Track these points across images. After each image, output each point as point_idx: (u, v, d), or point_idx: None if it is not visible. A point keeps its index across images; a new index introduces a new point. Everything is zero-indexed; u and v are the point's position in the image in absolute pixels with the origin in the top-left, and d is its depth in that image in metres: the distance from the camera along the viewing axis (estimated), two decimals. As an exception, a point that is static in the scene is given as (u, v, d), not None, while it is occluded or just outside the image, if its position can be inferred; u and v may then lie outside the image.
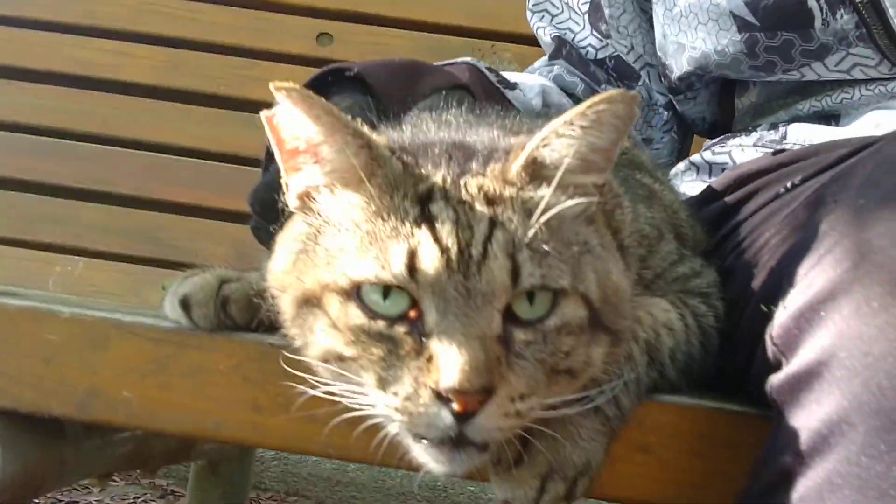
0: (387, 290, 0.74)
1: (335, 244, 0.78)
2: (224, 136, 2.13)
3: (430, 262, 0.72)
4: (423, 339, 0.72)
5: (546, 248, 0.74)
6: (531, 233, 0.74)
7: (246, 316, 0.90)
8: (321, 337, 0.77)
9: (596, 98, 0.76)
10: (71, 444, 1.01)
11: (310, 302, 0.78)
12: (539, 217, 0.74)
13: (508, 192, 0.77)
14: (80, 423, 1.03)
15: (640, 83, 1.54)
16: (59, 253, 2.11)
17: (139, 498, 3.98)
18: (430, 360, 0.71)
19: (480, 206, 0.75)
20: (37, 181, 2.14)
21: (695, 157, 1.47)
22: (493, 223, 0.74)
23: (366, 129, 0.79)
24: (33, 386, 0.89)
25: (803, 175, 1.06)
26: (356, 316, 0.74)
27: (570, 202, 0.77)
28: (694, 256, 1.05)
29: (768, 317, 0.77)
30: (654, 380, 0.87)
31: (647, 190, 1.07)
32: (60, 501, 3.76)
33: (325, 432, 0.86)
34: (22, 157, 2.17)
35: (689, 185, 1.41)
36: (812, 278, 0.71)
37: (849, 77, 1.22)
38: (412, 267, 0.72)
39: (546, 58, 1.63)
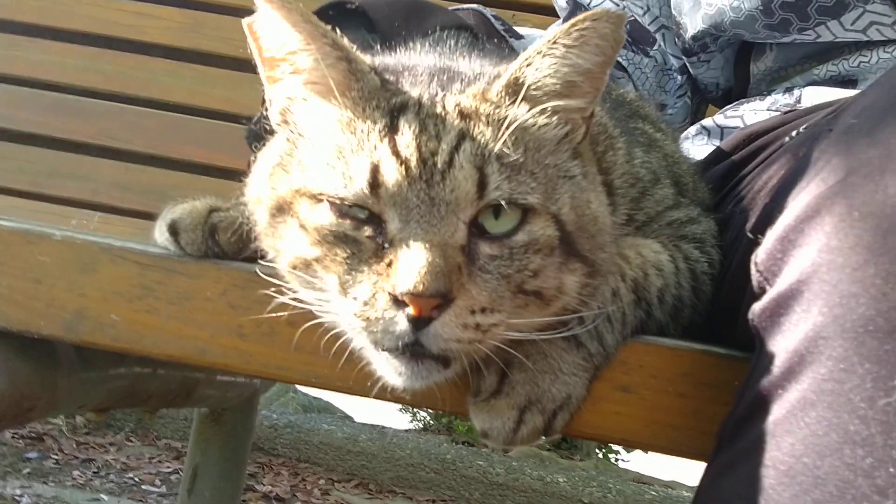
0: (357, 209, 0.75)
1: (307, 156, 0.79)
2: (241, 98, 2.14)
3: (391, 174, 0.72)
4: (386, 245, 0.73)
5: (518, 164, 0.74)
6: (501, 146, 0.74)
7: (234, 245, 0.91)
8: (291, 242, 0.78)
9: (580, 16, 0.75)
10: (64, 371, 1.03)
11: (282, 209, 0.79)
12: (511, 130, 0.74)
13: (485, 108, 0.77)
14: (75, 352, 1.05)
15: (655, 47, 1.51)
16: (76, 207, 2.15)
17: (154, 458, 4.07)
18: (389, 265, 0.71)
19: (452, 120, 0.75)
20: (56, 137, 2.18)
21: (706, 122, 1.44)
22: (463, 135, 0.74)
23: (346, 41, 0.79)
24: (23, 305, 0.90)
25: (808, 123, 1.04)
26: (324, 216, 0.75)
27: (547, 119, 0.77)
28: (692, 205, 1.03)
29: (756, 246, 0.74)
30: (640, 319, 0.86)
31: (647, 137, 1.06)
32: (78, 458, 3.86)
33: (309, 360, 0.87)
34: (42, 113, 2.21)
35: (700, 148, 1.39)
36: (798, 200, 0.68)
37: (865, 38, 1.19)
38: (375, 182, 0.73)
39: (559, 22, 1.61)
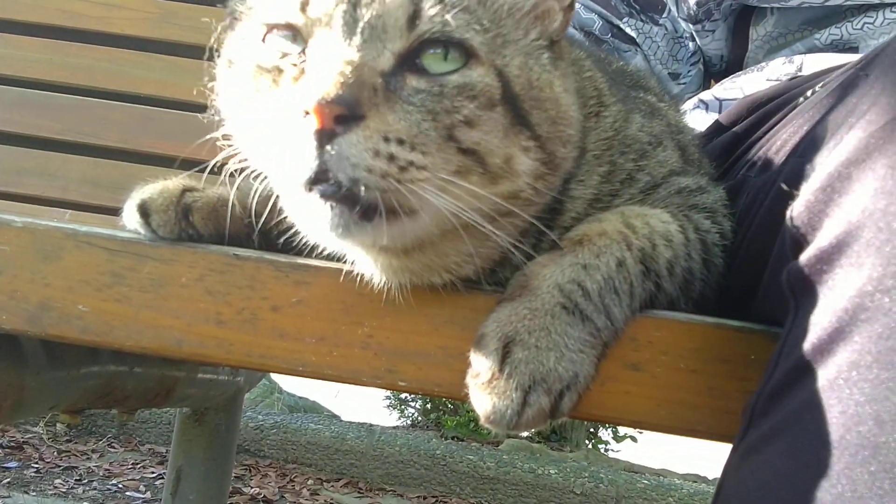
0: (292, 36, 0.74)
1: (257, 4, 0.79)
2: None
3: None
4: (305, 67, 0.71)
5: (462, 5, 0.72)
6: None
7: (210, 226, 0.85)
8: (234, 91, 0.78)
9: None
10: (32, 370, 0.96)
11: (230, 65, 0.80)
12: None
13: None
14: (42, 348, 0.98)
15: (665, 14, 1.47)
16: (46, 205, 2.07)
17: (137, 464, 3.98)
18: (300, 86, 0.69)
19: None
20: (22, 133, 2.11)
21: (704, 95, 1.41)
22: None
23: None
24: (-18, 299, 0.83)
25: (825, 81, 0.98)
26: (258, 52, 0.75)
27: None
28: (699, 174, 0.98)
29: (789, 200, 0.68)
30: (649, 292, 0.80)
31: (649, 106, 1.02)
32: (59, 466, 3.77)
33: (294, 347, 0.81)
34: (8, 109, 2.13)
35: (698, 123, 1.35)
36: (843, 146, 0.62)
37: (875, 0, 1.14)
38: (304, 5, 0.72)
39: None
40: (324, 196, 0.68)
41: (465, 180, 0.71)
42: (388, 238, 0.72)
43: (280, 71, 0.73)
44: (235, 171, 0.78)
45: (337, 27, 0.70)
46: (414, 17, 0.71)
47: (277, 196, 0.79)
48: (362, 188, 0.67)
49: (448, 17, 0.71)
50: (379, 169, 0.67)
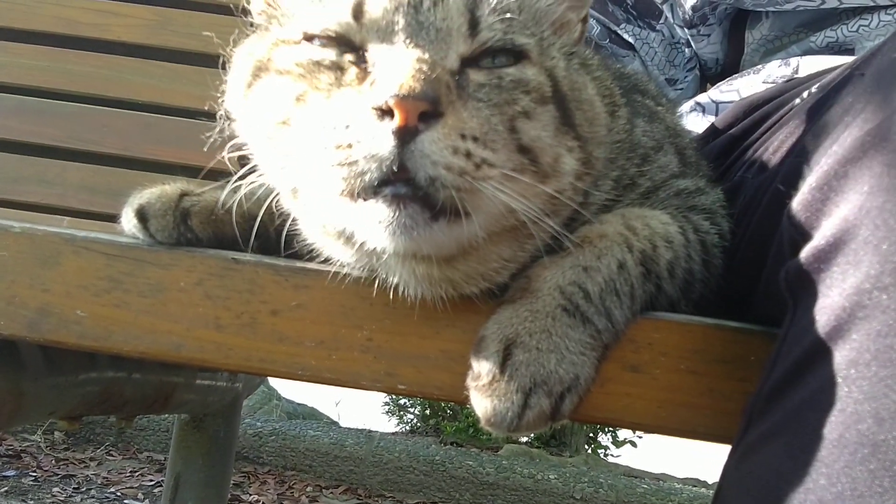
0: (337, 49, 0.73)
1: (290, 6, 0.78)
2: (211, 95, 2.07)
3: (375, 3, 0.71)
4: (369, 69, 0.70)
5: (511, 8, 0.75)
6: None
7: (209, 230, 0.85)
8: (268, 97, 0.75)
9: None
10: (30, 376, 0.96)
11: (259, 70, 0.77)
12: None
13: None
14: (41, 354, 0.98)
15: (661, 21, 1.48)
16: (44, 213, 2.07)
17: (136, 472, 3.96)
18: (373, 84, 0.67)
19: None
20: (21, 141, 2.11)
21: (700, 97, 1.41)
22: None
23: None
24: (-20, 304, 0.83)
25: (821, 84, 0.99)
26: (307, 52, 0.73)
27: None
28: (698, 177, 0.99)
29: (786, 200, 0.68)
30: (650, 294, 0.80)
31: (648, 110, 1.02)
32: (57, 474, 3.75)
33: (294, 351, 0.81)
34: (6, 116, 2.13)
35: (694, 125, 1.35)
36: (839, 145, 0.62)
37: (871, 3, 1.15)
38: (358, 10, 0.72)
39: None
40: (396, 197, 0.66)
41: (523, 177, 0.72)
42: (447, 241, 0.71)
43: (339, 68, 0.71)
44: (244, 176, 0.77)
45: (400, 31, 0.70)
46: (474, 22, 0.72)
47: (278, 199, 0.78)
48: (440, 187, 0.66)
49: (508, 26, 0.74)
50: (458, 167, 0.66)
